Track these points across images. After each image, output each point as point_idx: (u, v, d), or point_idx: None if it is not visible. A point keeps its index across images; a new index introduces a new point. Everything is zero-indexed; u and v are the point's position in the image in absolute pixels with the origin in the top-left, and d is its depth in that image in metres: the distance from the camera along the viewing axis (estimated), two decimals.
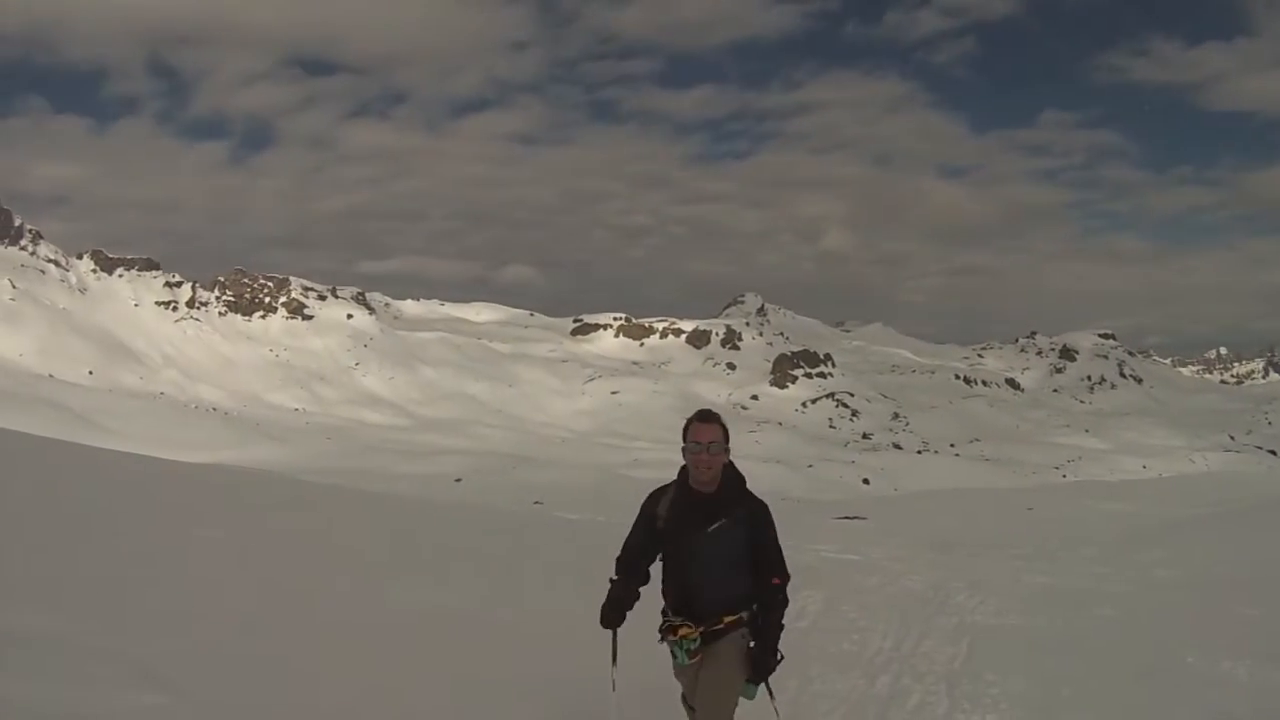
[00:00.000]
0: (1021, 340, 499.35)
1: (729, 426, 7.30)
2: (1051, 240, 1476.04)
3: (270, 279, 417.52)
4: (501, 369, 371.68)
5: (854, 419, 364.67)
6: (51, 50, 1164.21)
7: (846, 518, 37.74)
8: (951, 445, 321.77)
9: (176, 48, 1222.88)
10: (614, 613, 7.28)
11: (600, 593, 7.38)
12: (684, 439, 7.20)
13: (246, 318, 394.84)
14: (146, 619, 9.57)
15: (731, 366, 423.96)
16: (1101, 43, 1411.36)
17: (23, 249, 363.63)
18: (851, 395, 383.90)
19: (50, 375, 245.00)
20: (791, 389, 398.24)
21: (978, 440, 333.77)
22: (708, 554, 7.05)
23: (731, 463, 7.24)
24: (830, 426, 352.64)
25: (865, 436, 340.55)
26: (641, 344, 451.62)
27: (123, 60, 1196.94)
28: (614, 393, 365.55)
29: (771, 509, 7.34)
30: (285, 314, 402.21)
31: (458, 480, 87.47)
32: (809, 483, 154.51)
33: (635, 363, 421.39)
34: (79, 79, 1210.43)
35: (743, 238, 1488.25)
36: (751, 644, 7.19)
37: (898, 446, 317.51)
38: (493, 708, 9.17)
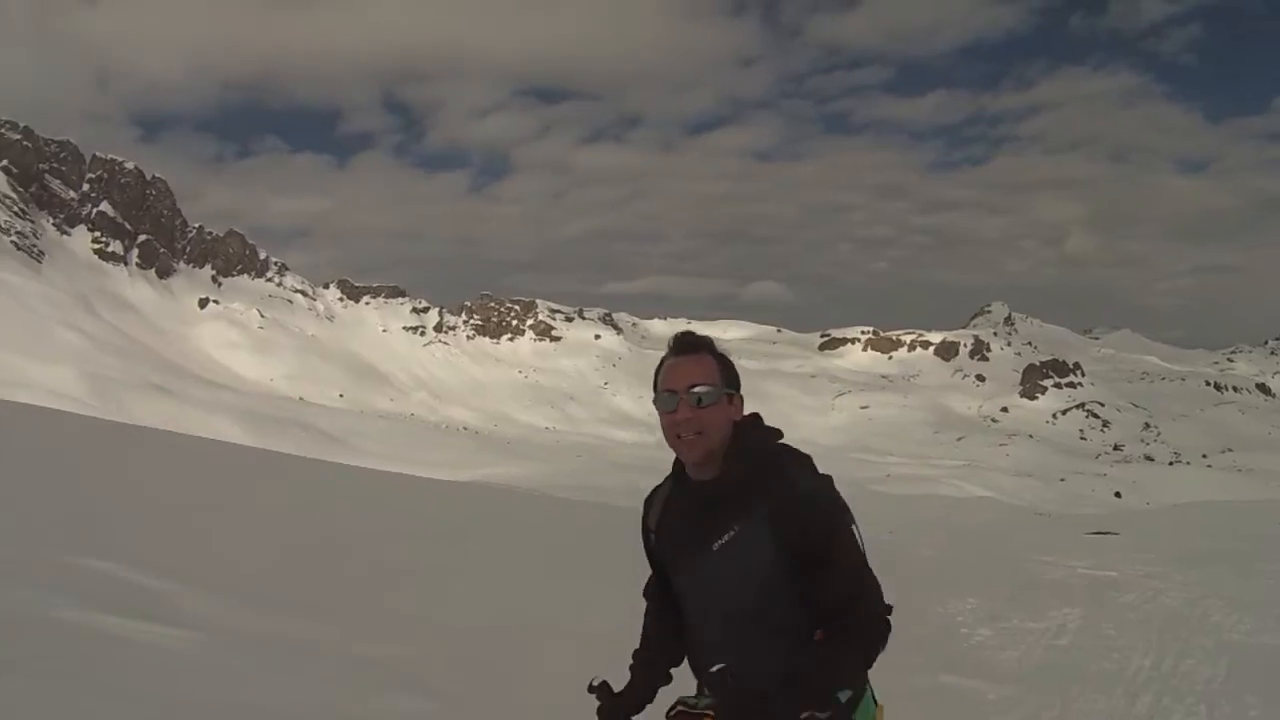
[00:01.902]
0: (1271, 342, 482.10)
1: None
2: None
3: (517, 302, 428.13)
4: (752, 386, 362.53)
5: (1105, 430, 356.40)
6: (284, 95, 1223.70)
7: (1099, 533, 37.13)
8: (1203, 456, 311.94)
9: (409, 85, 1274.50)
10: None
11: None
12: (654, 391, 3.91)
13: (495, 340, 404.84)
14: (406, 626, 10.08)
15: (980, 378, 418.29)
16: None
17: (269, 280, 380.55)
18: (1102, 405, 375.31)
19: (300, 398, 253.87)
20: (1041, 400, 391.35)
21: (1229, 450, 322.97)
22: (713, 590, 3.82)
23: (754, 417, 3.96)
24: (1081, 438, 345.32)
25: (1116, 448, 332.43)
26: (890, 357, 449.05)
27: (357, 100, 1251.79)
28: (864, 407, 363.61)
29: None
30: (533, 336, 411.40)
31: None
32: (1062, 497, 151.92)
33: (884, 376, 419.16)
34: (314, 119, 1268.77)
35: (985, 245, 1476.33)
36: None
37: (1149, 458, 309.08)
38: None
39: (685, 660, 4.13)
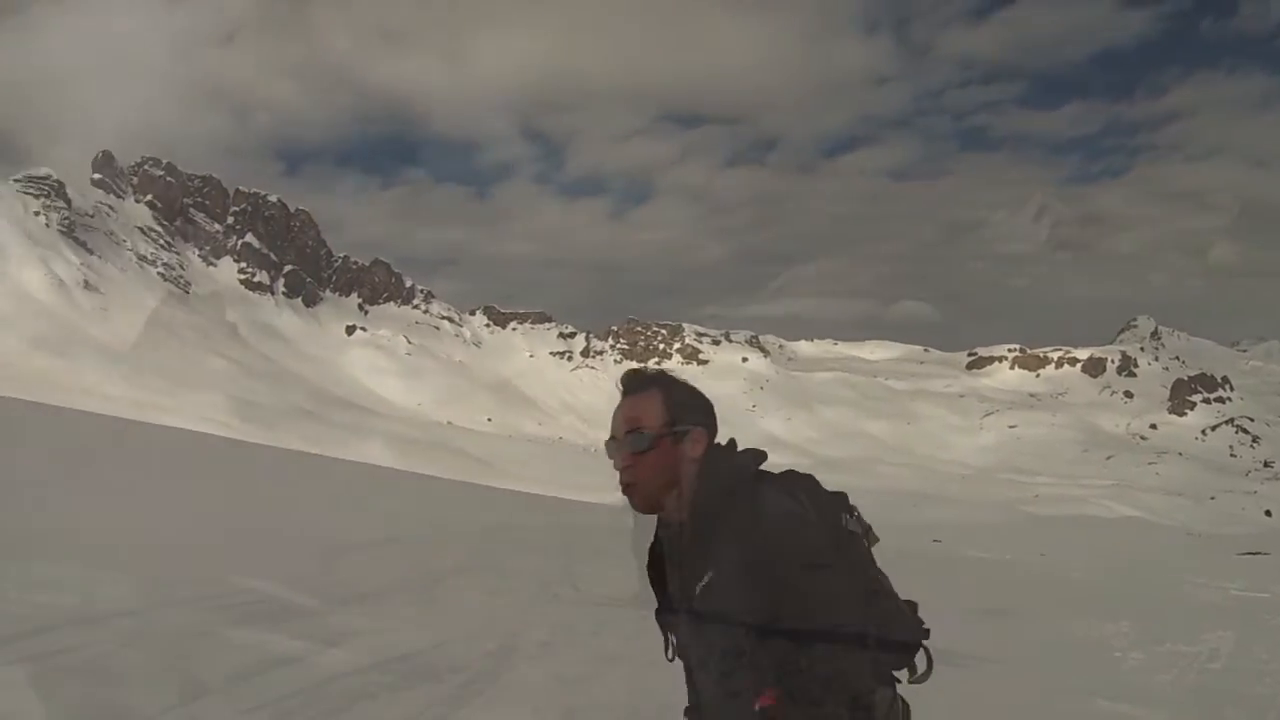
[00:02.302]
0: None
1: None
2: None
3: (663, 326, 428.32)
4: (899, 406, 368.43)
5: (1255, 445, 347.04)
6: (424, 128, 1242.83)
7: (1250, 553, 36.53)
8: None
9: (548, 115, 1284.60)
10: None
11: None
12: None
13: (642, 364, 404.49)
14: (479, 630, 10.29)
15: (1129, 395, 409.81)
16: None
17: (416, 308, 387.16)
18: (1251, 420, 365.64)
19: (448, 422, 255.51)
20: (1190, 416, 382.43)
21: None
22: (689, 644, 3.17)
23: (723, 447, 3.32)
24: (1231, 455, 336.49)
25: (1267, 464, 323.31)
26: (1037, 375, 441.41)
27: (496, 131, 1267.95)
28: (1012, 426, 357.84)
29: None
30: (680, 360, 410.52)
31: None
32: (1212, 516, 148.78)
33: (1033, 395, 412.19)
34: (455, 150, 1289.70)
35: (1127, 257, 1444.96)
36: None
37: None
38: None
39: None
